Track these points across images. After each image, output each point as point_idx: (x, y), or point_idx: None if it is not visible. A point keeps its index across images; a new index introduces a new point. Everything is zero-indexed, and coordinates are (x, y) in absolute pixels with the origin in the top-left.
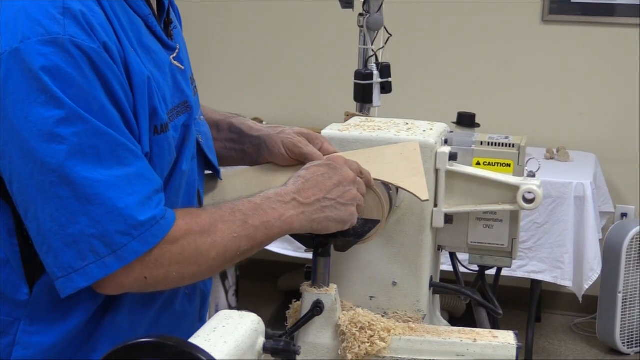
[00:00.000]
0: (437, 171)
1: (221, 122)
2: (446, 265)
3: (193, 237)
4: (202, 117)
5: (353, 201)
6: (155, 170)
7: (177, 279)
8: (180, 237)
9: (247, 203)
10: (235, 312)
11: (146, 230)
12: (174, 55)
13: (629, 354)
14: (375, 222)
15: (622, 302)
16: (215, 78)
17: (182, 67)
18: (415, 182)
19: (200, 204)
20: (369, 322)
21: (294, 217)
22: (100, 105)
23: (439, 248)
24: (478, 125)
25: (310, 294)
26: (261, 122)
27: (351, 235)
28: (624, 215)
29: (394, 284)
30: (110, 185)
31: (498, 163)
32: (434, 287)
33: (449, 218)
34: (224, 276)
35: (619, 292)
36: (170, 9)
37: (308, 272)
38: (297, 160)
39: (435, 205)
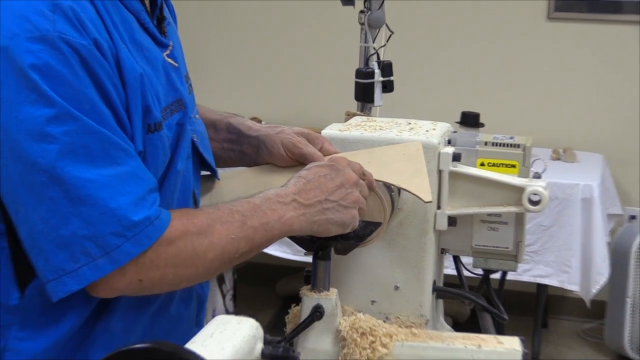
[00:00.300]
0: (440, 172)
1: (219, 121)
2: (450, 269)
3: (189, 238)
4: (197, 115)
5: (355, 204)
6: (149, 170)
7: (173, 282)
8: (175, 238)
9: (246, 204)
10: (232, 317)
11: (140, 231)
12: (167, 52)
13: None
14: (376, 225)
15: (631, 308)
16: (213, 77)
17: (176, 65)
18: (418, 183)
19: (195, 204)
20: (370, 328)
21: (294, 219)
22: (92, 103)
23: (442, 251)
24: (482, 125)
25: (309, 299)
26: (260, 121)
27: (352, 238)
28: (632, 217)
29: (396, 288)
30: (102, 185)
31: (503, 164)
32: (437, 292)
33: (452, 220)
34: (221, 280)
35: (628, 297)
36: (164, 5)
37: (307, 275)
38: (297, 160)
39: (439, 207)
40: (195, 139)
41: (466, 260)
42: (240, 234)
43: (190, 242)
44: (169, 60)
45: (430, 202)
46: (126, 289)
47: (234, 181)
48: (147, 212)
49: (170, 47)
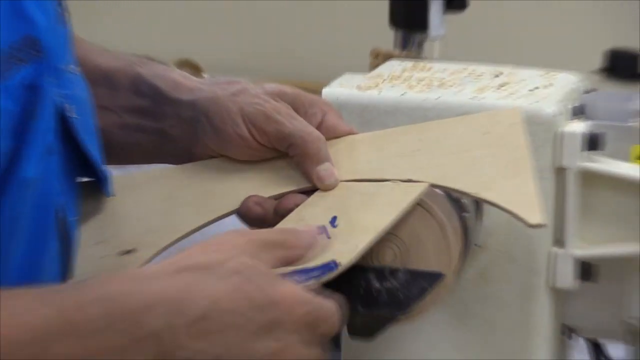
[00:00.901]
0: (560, 171)
1: (117, 73)
2: None
3: None
4: (75, 67)
5: None
6: None
7: None
8: None
9: (79, 311)
10: None
11: None
12: None
13: None
14: (433, 278)
15: None
16: None
17: None
18: (515, 190)
19: (67, 246)
20: None
21: None
22: None
23: (567, 331)
24: None
25: None
26: (199, 72)
27: (384, 305)
28: None
29: None
30: None
31: None
32: None
33: (587, 269)
34: None
35: None
36: None
37: None
38: (273, 148)
39: (559, 243)
40: (69, 114)
41: (615, 351)
42: None
43: None
44: None
45: (541, 226)
46: None
47: (146, 195)
48: None
49: None
